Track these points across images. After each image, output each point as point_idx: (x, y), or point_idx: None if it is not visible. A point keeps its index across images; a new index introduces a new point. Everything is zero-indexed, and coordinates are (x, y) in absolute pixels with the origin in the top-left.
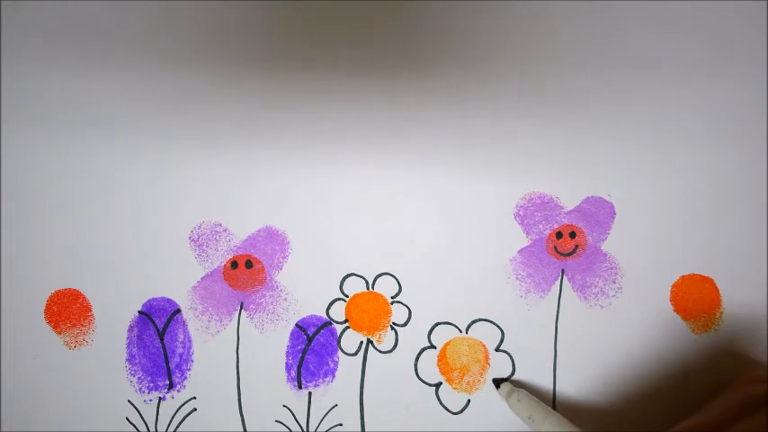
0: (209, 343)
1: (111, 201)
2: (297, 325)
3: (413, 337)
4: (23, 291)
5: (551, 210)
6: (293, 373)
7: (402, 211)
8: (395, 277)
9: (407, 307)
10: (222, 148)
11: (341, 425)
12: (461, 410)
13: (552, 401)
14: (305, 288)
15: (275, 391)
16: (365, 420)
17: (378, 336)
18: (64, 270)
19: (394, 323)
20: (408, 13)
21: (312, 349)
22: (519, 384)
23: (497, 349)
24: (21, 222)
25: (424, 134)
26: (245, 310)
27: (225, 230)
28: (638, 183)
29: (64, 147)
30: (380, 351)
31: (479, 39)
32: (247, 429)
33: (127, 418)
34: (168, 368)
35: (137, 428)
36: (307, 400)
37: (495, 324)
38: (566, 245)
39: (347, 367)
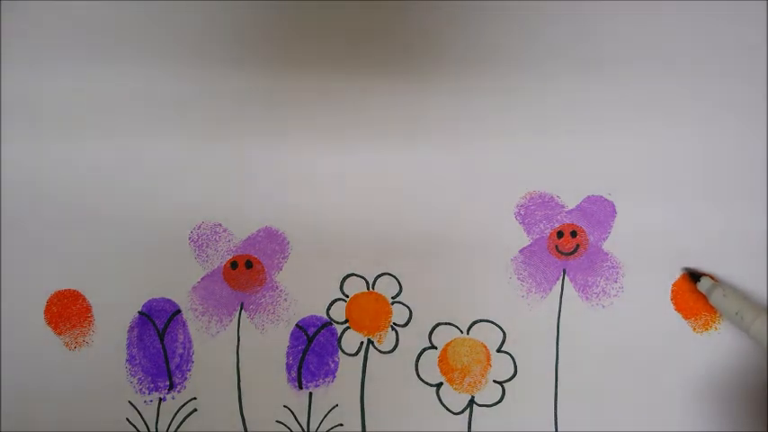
0: (209, 343)
1: (111, 201)
2: (297, 325)
3: (413, 338)
4: (23, 291)
5: (552, 209)
6: (294, 374)
7: (402, 210)
8: (395, 277)
9: (408, 307)
10: (222, 148)
11: (341, 425)
12: (462, 411)
13: (554, 402)
14: (305, 288)
15: (276, 392)
16: (366, 421)
17: (378, 336)
18: (64, 270)
19: (394, 323)
20: (409, 13)
21: (312, 349)
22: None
23: (499, 350)
24: (20, 222)
25: (425, 135)
26: (246, 311)
27: (225, 231)
28: (638, 182)
29: (63, 146)
30: (381, 351)
31: (480, 39)
32: (248, 430)
33: (127, 419)
34: (168, 369)
35: (137, 429)
36: (307, 401)
37: (496, 324)
38: (567, 244)
39: (348, 367)
